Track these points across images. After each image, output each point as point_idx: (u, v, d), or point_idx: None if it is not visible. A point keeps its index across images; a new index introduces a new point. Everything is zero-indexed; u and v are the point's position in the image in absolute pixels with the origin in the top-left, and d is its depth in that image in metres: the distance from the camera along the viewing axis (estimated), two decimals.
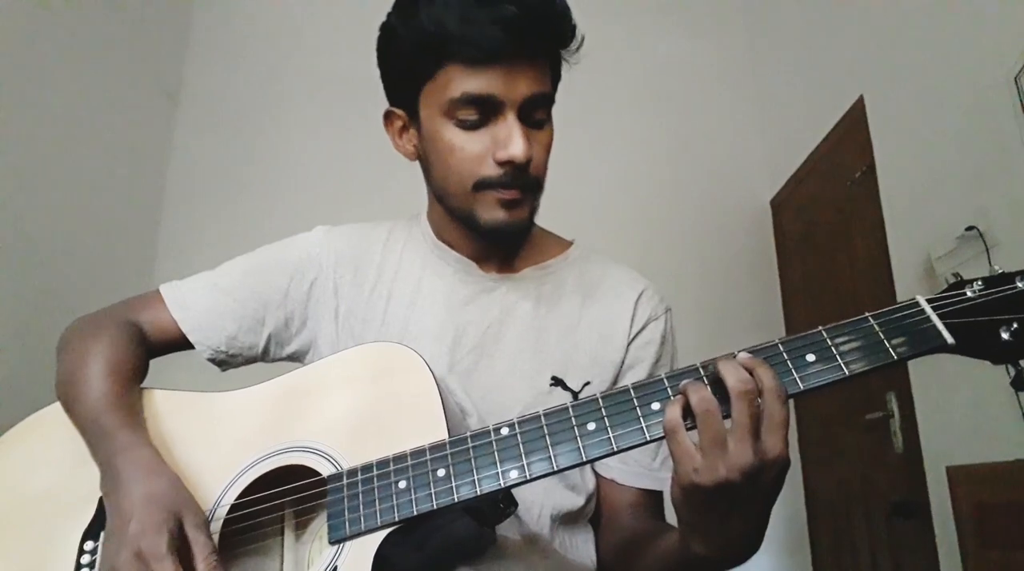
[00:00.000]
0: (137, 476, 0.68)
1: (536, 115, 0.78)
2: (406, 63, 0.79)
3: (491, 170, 0.77)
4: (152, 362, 0.87)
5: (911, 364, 1.97)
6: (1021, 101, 1.54)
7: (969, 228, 1.66)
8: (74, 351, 0.82)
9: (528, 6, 0.72)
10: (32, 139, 2.29)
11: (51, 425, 0.79)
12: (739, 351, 0.59)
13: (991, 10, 1.68)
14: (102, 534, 0.71)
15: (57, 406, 0.81)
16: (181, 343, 0.88)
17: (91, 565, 0.70)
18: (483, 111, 0.76)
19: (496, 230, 0.80)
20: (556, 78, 0.83)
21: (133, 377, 0.81)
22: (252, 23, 3.22)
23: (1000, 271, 0.59)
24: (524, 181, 0.78)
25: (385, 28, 0.81)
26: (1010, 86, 1.57)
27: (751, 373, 0.56)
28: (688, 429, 0.56)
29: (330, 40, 3.10)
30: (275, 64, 3.13)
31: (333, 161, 2.95)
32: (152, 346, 0.87)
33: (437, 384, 0.70)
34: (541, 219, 0.96)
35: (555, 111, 0.82)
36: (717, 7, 3.34)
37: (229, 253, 0.94)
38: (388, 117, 0.86)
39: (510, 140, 0.75)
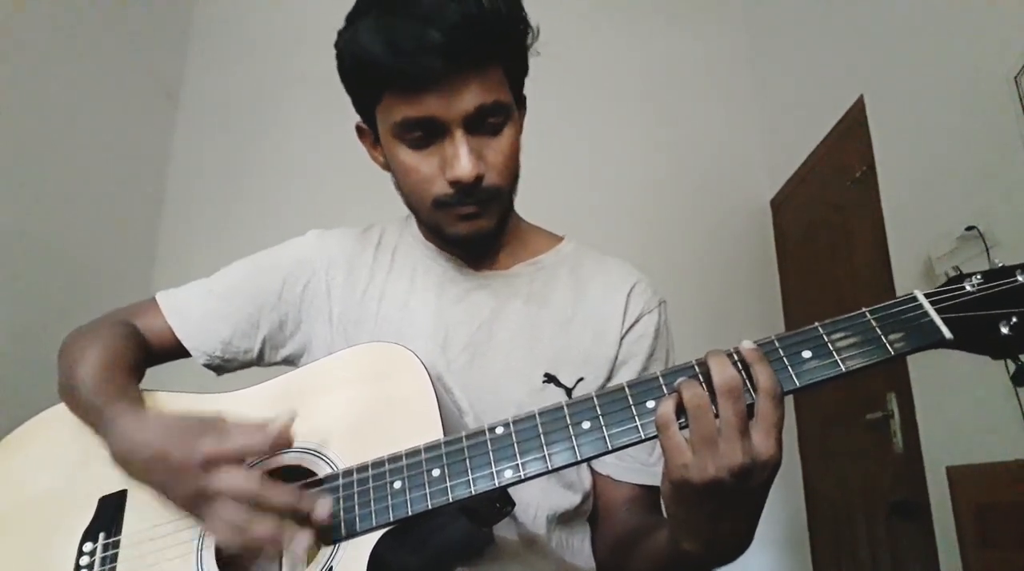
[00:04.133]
0: (143, 426, 0.69)
1: (489, 122, 0.76)
2: (353, 87, 0.80)
3: (444, 189, 0.76)
4: (148, 370, 0.87)
5: (912, 364, 1.98)
6: (1021, 101, 1.54)
7: (969, 228, 1.66)
8: (72, 353, 0.82)
9: (453, 26, 0.69)
10: (32, 139, 2.29)
11: (52, 427, 0.80)
12: (744, 342, 0.58)
13: (991, 10, 1.68)
14: (101, 534, 0.71)
15: (58, 409, 0.82)
16: (177, 350, 0.89)
17: (90, 566, 0.70)
18: (427, 132, 0.74)
19: (462, 241, 0.82)
20: (517, 72, 0.80)
21: (129, 370, 0.81)
22: (252, 23, 3.22)
23: (1001, 265, 0.57)
24: (479, 196, 0.77)
25: (336, 48, 0.80)
26: (1010, 86, 1.57)
27: (748, 369, 0.56)
28: (682, 428, 0.56)
29: (331, 40, 3.07)
30: (275, 64, 3.13)
31: (333, 161, 2.94)
32: (149, 352, 0.88)
33: (433, 383, 0.70)
34: (540, 219, 0.96)
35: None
36: (717, 6, 3.34)
37: (229, 253, 0.95)
38: (360, 131, 0.86)
39: (455, 160, 0.73)
